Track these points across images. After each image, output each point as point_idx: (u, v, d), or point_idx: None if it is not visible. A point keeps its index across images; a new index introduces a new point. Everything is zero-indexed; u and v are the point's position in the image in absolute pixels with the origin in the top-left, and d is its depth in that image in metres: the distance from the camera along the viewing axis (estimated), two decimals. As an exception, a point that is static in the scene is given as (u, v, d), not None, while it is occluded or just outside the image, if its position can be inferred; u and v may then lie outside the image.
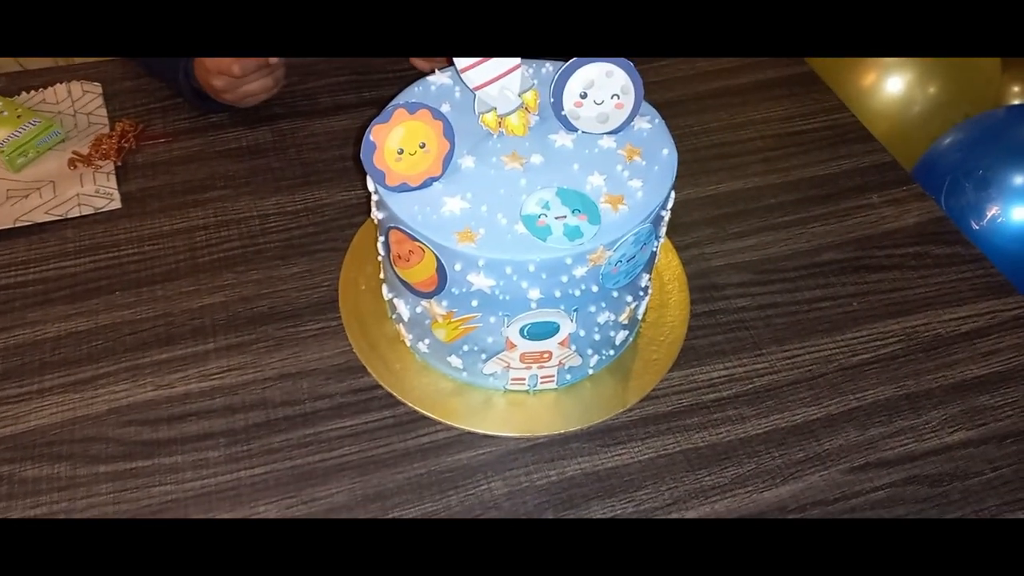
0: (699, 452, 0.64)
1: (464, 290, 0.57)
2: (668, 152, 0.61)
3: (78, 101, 0.92)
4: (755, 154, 0.89)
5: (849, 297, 0.75)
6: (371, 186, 0.60)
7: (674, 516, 0.61)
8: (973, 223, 0.83)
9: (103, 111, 0.91)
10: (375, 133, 0.55)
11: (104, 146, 0.86)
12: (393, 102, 0.58)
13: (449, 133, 0.57)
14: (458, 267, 0.56)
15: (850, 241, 0.80)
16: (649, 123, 0.63)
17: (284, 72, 0.87)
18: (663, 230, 0.63)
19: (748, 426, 0.66)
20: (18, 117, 0.85)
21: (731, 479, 0.63)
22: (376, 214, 0.62)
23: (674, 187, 0.60)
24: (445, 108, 0.62)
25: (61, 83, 0.93)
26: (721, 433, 0.65)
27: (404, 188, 0.57)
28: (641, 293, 0.66)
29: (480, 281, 0.56)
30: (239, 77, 0.81)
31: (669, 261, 0.76)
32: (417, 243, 0.57)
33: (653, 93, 0.64)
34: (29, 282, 0.75)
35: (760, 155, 0.88)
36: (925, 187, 0.85)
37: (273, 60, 0.83)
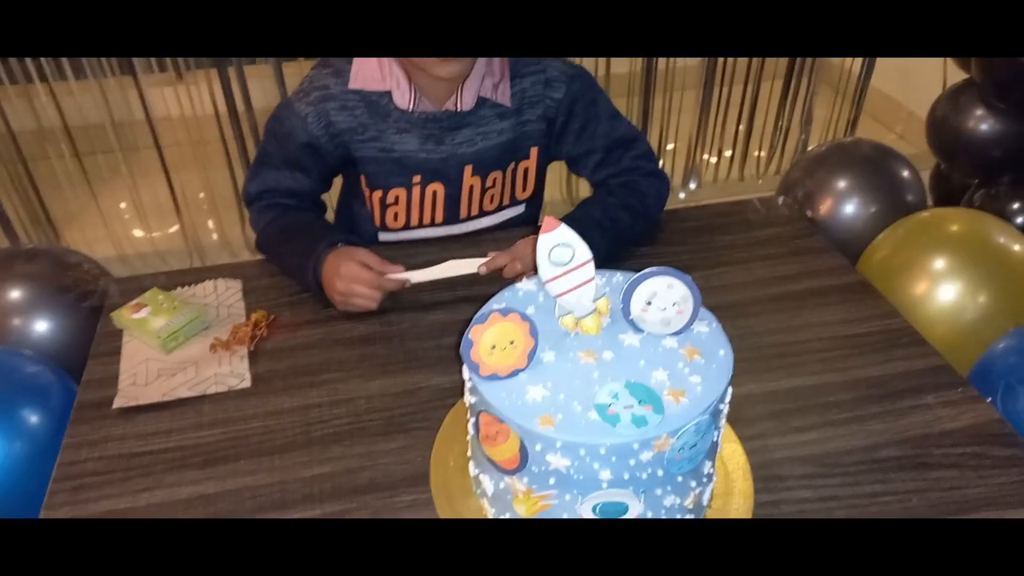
0: (763, 638, 0.67)
1: (543, 468, 0.66)
2: (724, 353, 0.70)
3: (222, 295, 1.09)
4: (812, 354, 0.96)
5: (908, 493, 0.79)
6: (466, 375, 0.71)
7: None
8: (1031, 428, 0.87)
9: (241, 304, 1.08)
10: (473, 332, 0.67)
11: (240, 333, 1.01)
12: (488, 306, 0.70)
13: (534, 332, 0.68)
14: (538, 447, 0.65)
15: (907, 439, 0.85)
16: (707, 327, 0.73)
17: (381, 297, 1.02)
18: (722, 421, 0.70)
19: (811, 615, 0.68)
20: (174, 308, 1.03)
21: (795, 667, 0.65)
22: (469, 398, 0.73)
23: (731, 383, 0.68)
24: (530, 310, 0.74)
25: (209, 280, 1.11)
26: (784, 620, 0.68)
27: (494, 378, 0.68)
28: (705, 479, 0.72)
29: (557, 461, 0.64)
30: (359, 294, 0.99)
31: (733, 451, 0.83)
32: (504, 425, 0.66)
33: (715, 296, 0.74)
34: (170, 449, 0.87)
35: (817, 355, 0.96)
36: (981, 391, 0.90)
37: (384, 288, 1.01)
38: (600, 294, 0.73)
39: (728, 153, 2.49)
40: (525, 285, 0.79)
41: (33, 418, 1.03)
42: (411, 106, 1.05)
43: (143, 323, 1.01)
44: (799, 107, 2.39)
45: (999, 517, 0.76)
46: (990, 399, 0.90)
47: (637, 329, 0.72)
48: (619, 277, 0.78)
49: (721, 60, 2.26)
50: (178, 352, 1.00)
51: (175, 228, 2.27)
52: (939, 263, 1.07)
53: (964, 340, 1.01)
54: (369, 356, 0.99)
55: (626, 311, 0.71)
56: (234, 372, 0.96)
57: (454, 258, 1.05)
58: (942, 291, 1.07)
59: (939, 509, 0.77)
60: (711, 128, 2.38)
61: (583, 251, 0.70)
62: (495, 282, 0.81)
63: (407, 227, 1.16)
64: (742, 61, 2.31)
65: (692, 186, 2.45)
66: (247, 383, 0.95)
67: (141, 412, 0.92)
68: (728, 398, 0.69)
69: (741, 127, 2.43)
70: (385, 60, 1.04)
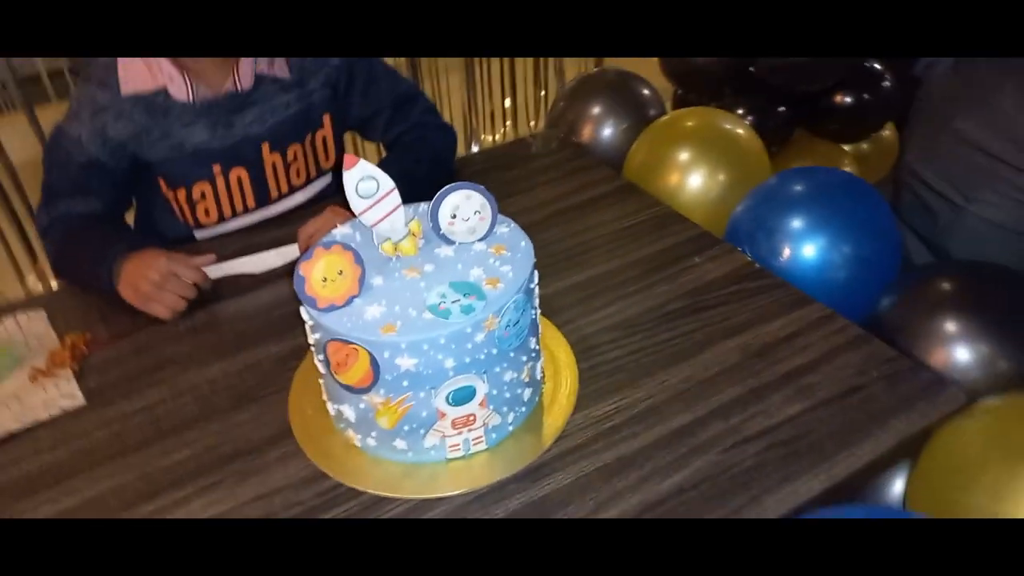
0: (608, 467, 0.80)
1: (395, 375, 0.74)
2: (525, 244, 0.82)
3: (27, 327, 1.05)
4: (599, 248, 1.12)
5: (693, 332, 0.96)
6: (305, 316, 0.77)
7: (600, 517, 0.75)
8: (774, 263, 1.08)
9: (51, 331, 1.04)
10: (303, 268, 0.73)
11: (59, 358, 0.98)
12: (311, 246, 0.76)
13: (359, 259, 0.75)
14: (387, 355, 0.72)
15: (685, 293, 1.02)
16: (507, 227, 0.84)
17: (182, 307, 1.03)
18: (536, 300, 0.82)
19: (640, 439, 0.83)
20: (-24, 350, 0.98)
21: (636, 479, 0.78)
22: (312, 336, 0.78)
23: (539, 283, 0.80)
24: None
25: (7, 316, 1.06)
26: (621, 449, 0.82)
27: (332, 308, 0.75)
28: (534, 354, 0.83)
29: (405, 362, 0.72)
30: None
31: (555, 336, 0.95)
32: (352, 345, 0.73)
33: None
34: (13, 479, 0.84)
35: (603, 248, 1.12)
36: (734, 244, 1.10)
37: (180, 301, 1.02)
38: (411, 218, 0.81)
39: (502, 128, 2.67)
40: (340, 230, 0.86)
41: None
42: (191, 96, 1.06)
43: (-56, 371, 0.95)
44: (552, 72, 2.60)
45: (763, 331, 0.95)
46: (741, 248, 1.10)
47: (449, 242, 0.81)
48: (424, 206, 0.87)
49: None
50: (-7, 391, 0.95)
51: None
52: (683, 155, 1.27)
53: (716, 212, 1.21)
54: (203, 345, 1.00)
55: (436, 227, 0.81)
56: (63, 394, 0.94)
57: (273, 239, 1.09)
58: (690, 179, 1.27)
59: (717, 335, 0.95)
60: (480, 105, 2.54)
61: (386, 181, 0.79)
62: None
63: (221, 220, 1.17)
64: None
65: (475, 149, 2.60)
66: (80, 401, 0.93)
67: (-31, 456, 0.87)
68: (536, 279, 0.81)
69: (507, 102, 2.60)
70: (151, 58, 1.04)
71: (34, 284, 1.98)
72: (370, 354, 0.73)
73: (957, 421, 0.83)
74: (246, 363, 0.97)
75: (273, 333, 1.01)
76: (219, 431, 0.88)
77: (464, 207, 0.80)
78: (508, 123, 2.68)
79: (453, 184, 0.80)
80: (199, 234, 1.18)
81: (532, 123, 2.72)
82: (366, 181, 0.77)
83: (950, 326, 0.93)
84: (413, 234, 0.81)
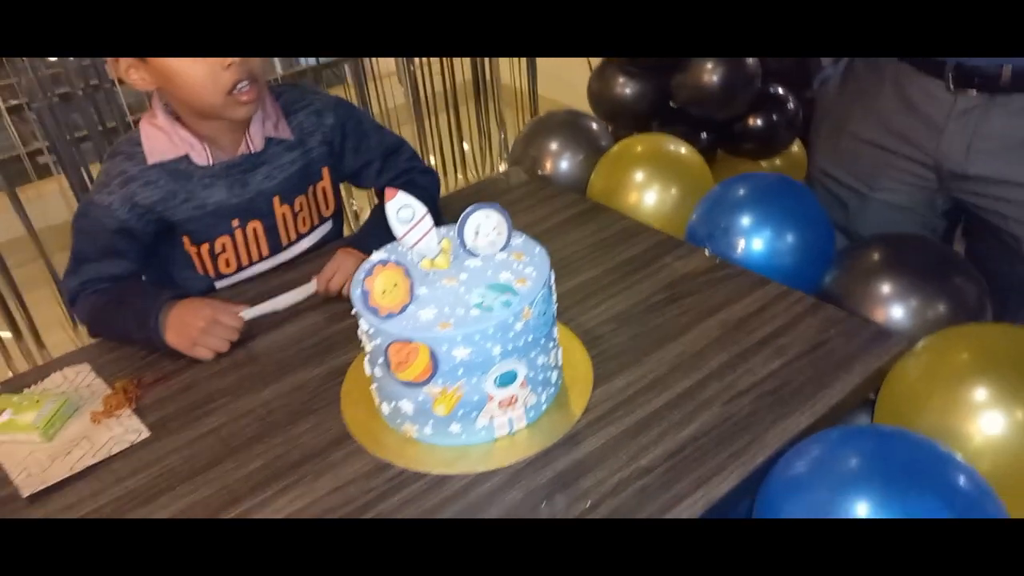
0: (630, 429, 0.95)
1: (451, 365, 0.87)
2: (539, 250, 0.97)
3: (75, 380, 1.13)
4: (583, 259, 1.28)
5: (678, 316, 1.13)
6: (364, 325, 0.90)
7: (633, 466, 0.90)
8: (732, 256, 1.26)
9: (99, 381, 1.13)
10: (367, 283, 0.86)
11: (115, 401, 1.07)
12: (368, 262, 0.90)
13: (408, 273, 0.89)
14: (444, 348, 0.86)
15: (664, 287, 1.19)
16: (521, 239, 0.99)
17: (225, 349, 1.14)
18: (554, 295, 0.97)
19: (653, 404, 0.98)
20: (36, 402, 1.05)
21: (657, 435, 0.94)
22: (371, 344, 0.91)
23: (551, 267, 0.96)
24: (393, 268, 0.95)
25: (55, 372, 1.14)
26: (639, 414, 0.97)
27: (391, 316, 0.88)
28: (555, 342, 0.98)
29: (461, 352, 0.86)
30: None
31: (564, 331, 1.10)
32: (413, 344, 0.86)
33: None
34: (102, 506, 0.93)
35: (587, 258, 1.28)
36: (695, 244, 1.29)
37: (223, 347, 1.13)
38: (442, 238, 0.96)
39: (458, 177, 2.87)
40: (377, 255, 0.99)
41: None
42: (210, 161, 1.19)
43: (11, 424, 1.02)
44: (494, 130, 2.81)
45: (735, 309, 1.13)
46: (703, 246, 1.28)
47: (475, 255, 0.96)
48: (444, 229, 1.02)
49: (423, 93, 2.59)
50: (60, 436, 1.03)
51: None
52: (638, 176, 1.46)
53: (674, 220, 1.40)
54: (247, 376, 1.11)
55: (463, 244, 0.95)
56: (129, 429, 1.03)
57: (285, 281, 1.21)
58: (647, 196, 1.46)
59: (699, 316, 1.12)
60: (433, 156, 2.72)
61: (420, 208, 0.93)
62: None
63: (239, 268, 1.29)
64: (439, 93, 2.66)
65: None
66: (147, 434, 1.02)
67: (52, 493, 0.95)
68: (553, 277, 0.96)
69: (453, 150, 2.80)
70: (171, 129, 1.17)
71: (20, 362, 2.00)
72: (430, 349, 0.86)
73: (903, 360, 1.02)
74: (293, 385, 1.08)
75: (310, 358, 1.13)
76: (284, 442, 0.99)
77: (484, 224, 0.96)
78: (460, 172, 2.87)
79: (474, 205, 0.95)
80: (220, 284, 1.29)
81: (484, 169, 2.92)
82: (404, 209, 0.92)
83: (885, 288, 1.12)
84: (444, 251, 0.95)
